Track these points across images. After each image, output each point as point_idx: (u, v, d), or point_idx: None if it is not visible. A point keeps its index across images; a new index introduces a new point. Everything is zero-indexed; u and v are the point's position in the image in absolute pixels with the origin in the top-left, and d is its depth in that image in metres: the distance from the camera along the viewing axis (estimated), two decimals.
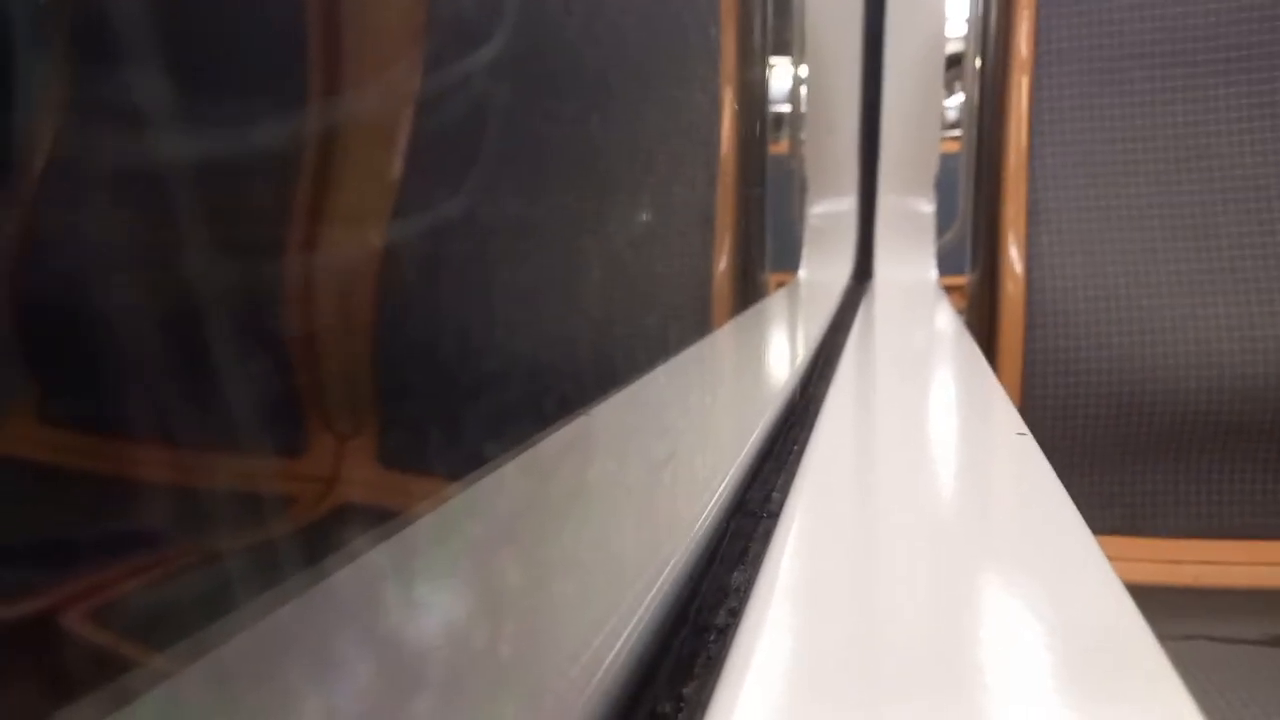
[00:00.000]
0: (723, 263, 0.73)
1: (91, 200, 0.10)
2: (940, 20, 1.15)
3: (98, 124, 0.10)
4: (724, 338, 0.57)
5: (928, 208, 1.16)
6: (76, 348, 0.10)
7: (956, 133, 1.27)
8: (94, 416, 0.11)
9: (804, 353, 0.58)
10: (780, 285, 1.02)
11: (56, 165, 0.10)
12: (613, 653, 0.19)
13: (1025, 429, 0.39)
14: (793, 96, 1.13)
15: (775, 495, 0.33)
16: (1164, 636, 0.20)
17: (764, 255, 0.90)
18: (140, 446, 0.11)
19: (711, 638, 0.23)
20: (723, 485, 0.30)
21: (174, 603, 0.10)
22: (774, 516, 0.30)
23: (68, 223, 0.10)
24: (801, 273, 1.06)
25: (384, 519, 0.15)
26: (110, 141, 0.10)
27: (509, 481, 0.19)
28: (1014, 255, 0.99)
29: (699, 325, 0.56)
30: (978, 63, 1.13)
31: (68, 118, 0.10)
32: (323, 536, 0.14)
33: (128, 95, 0.10)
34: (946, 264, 1.15)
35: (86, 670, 0.09)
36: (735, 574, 0.26)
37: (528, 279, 0.24)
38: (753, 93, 0.86)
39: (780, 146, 1.13)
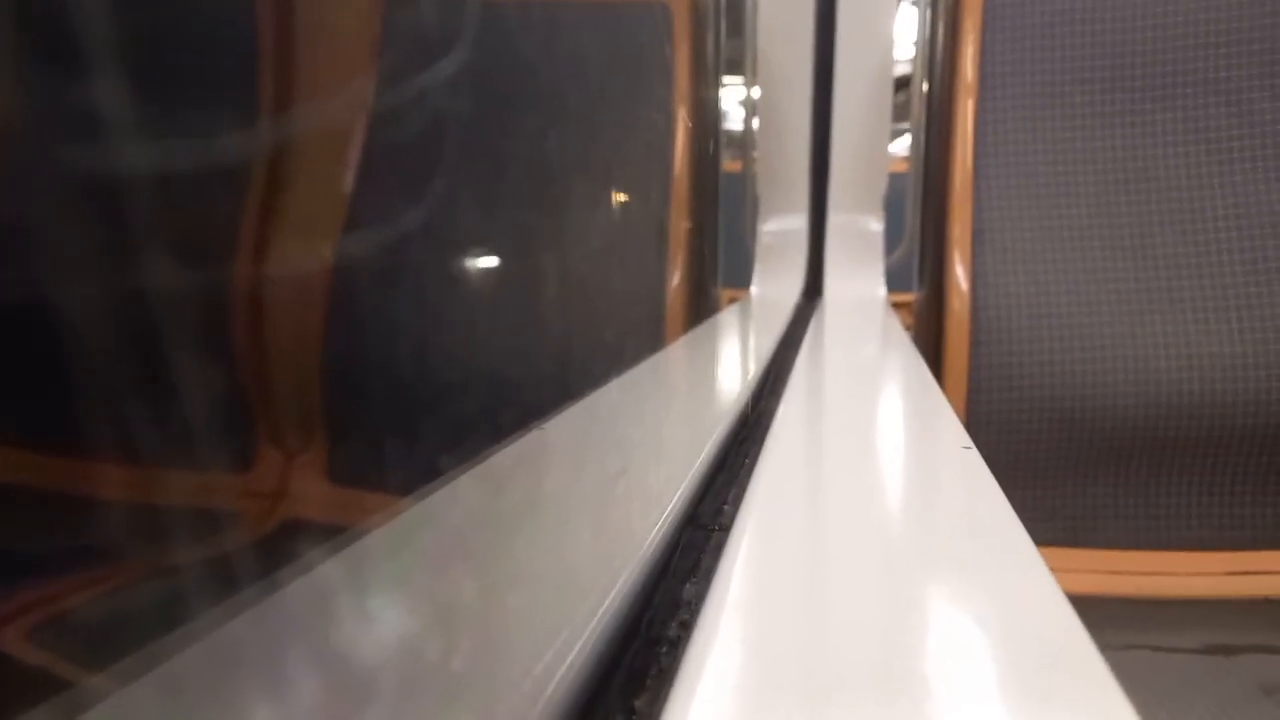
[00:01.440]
0: (676, 278, 0.73)
1: (35, 211, 0.10)
2: (889, 44, 1.17)
3: (43, 134, 0.10)
4: (677, 352, 0.58)
5: (877, 226, 1.18)
6: (21, 362, 0.10)
7: (905, 153, 1.29)
8: (41, 432, 0.10)
9: (755, 368, 0.59)
10: (732, 301, 1.03)
11: (2, 173, 0.10)
12: (565, 665, 0.19)
13: (970, 443, 0.39)
14: (745, 116, 1.14)
15: (727, 508, 0.33)
16: (1105, 646, 0.20)
17: (716, 271, 0.91)
18: (89, 461, 0.11)
19: (663, 650, 0.23)
20: (675, 498, 0.30)
21: (125, 616, 0.10)
22: (725, 530, 0.30)
23: (9, 233, 0.10)
24: (753, 289, 1.07)
25: (334, 533, 0.15)
26: (54, 152, 0.10)
27: (462, 495, 0.19)
28: (960, 273, 1.01)
29: (652, 340, 0.56)
30: (925, 86, 1.16)
31: (16, 125, 0.10)
32: (273, 551, 0.14)
33: (77, 103, 0.10)
34: (895, 281, 1.17)
35: (37, 682, 0.09)
36: (687, 587, 0.26)
37: (481, 293, 0.24)
38: (706, 112, 0.87)
39: (733, 165, 1.15)
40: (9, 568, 0.10)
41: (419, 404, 0.20)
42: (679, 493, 0.31)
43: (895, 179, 1.21)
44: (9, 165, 0.10)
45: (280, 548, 0.14)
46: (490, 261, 0.25)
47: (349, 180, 0.18)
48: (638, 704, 0.21)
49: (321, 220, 0.18)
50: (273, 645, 0.12)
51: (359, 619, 0.14)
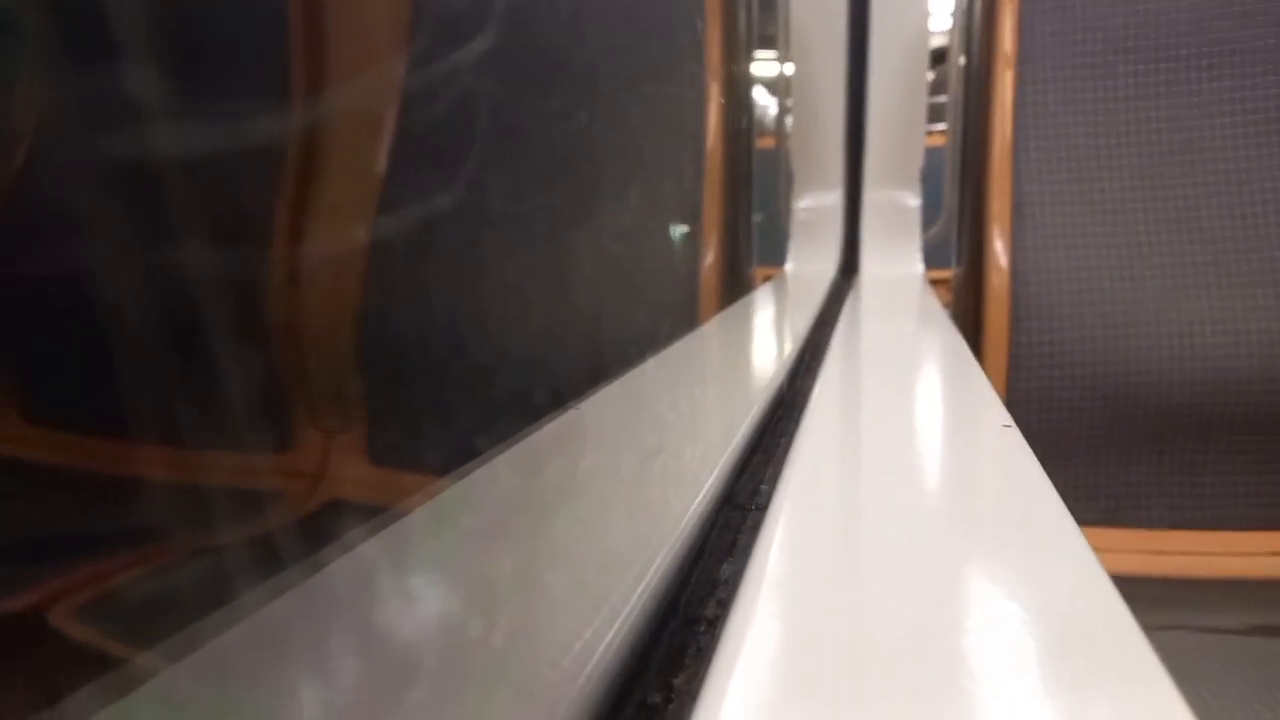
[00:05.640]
0: (710, 256, 0.73)
1: (74, 199, 0.10)
2: (924, 15, 1.15)
3: (79, 122, 0.10)
4: (711, 331, 0.57)
5: (913, 202, 1.16)
6: (64, 347, 0.10)
7: (942, 127, 1.27)
8: (83, 415, 0.11)
9: (791, 346, 0.59)
10: (767, 279, 1.02)
11: (38, 162, 0.10)
12: (604, 644, 0.19)
13: (1011, 421, 0.39)
14: (779, 91, 1.13)
15: (763, 488, 0.33)
16: (1147, 626, 0.20)
17: (751, 249, 0.90)
18: (131, 444, 0.11)
19: (701, 629, 0.23)
20: (711, 478, 0.30)
21: (168, 597, 0.10)
22: (762, 509, 0.30)
23: (50, 221, 0.10)
24: (788, 266, 1.06)
25: (374, 514, 0.15)
26: (93, 140, 0.10)
27: (500, 475, 0.19)
28: (999, 249, 1.00)
29: (687, 319, 0.56)
30: (962, 58, 1.14)
31: (50, 114, 0.10)
32: (314, 532, 0.14)
33: (109, 92, 0.10)
34: (932, 258, 1.16)
35: (82, 664, 0.09)
36: (724, 566, 0.26)
37: (516, 274, 0.24)
38: (739, 87, 0.86)
39: (767, 141, 1.14)
40: (56, 548, 0.10)
41: (455, 385, 0.20)
42: (715, 472, 0.31)
43: (932, 153, 1.19)
44: (51, 152, 0.10)
45: (321, 528, 0.14)
46: (524, 241, 0.25)
47: (383, 160, 0.18)
48: (676, 682, 0.21)
49: (356, 201, 0.18)
50: (316, 624, 0.12)
51: (400, 598, 0.14)
